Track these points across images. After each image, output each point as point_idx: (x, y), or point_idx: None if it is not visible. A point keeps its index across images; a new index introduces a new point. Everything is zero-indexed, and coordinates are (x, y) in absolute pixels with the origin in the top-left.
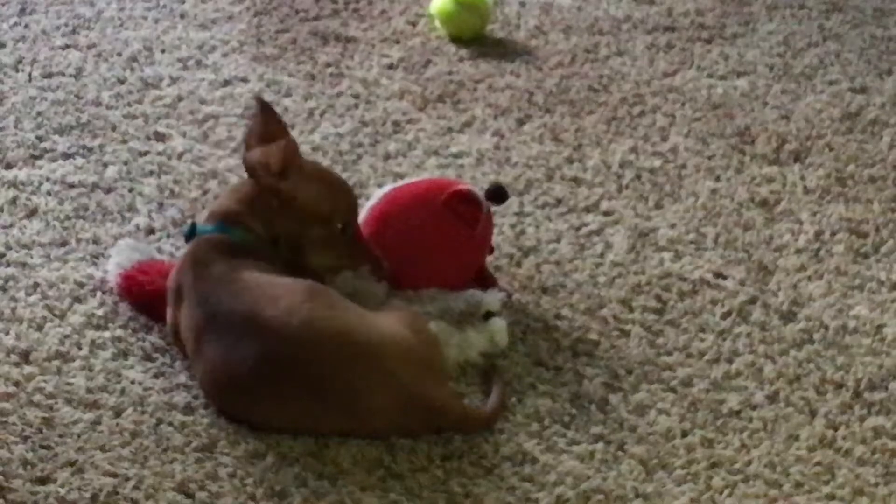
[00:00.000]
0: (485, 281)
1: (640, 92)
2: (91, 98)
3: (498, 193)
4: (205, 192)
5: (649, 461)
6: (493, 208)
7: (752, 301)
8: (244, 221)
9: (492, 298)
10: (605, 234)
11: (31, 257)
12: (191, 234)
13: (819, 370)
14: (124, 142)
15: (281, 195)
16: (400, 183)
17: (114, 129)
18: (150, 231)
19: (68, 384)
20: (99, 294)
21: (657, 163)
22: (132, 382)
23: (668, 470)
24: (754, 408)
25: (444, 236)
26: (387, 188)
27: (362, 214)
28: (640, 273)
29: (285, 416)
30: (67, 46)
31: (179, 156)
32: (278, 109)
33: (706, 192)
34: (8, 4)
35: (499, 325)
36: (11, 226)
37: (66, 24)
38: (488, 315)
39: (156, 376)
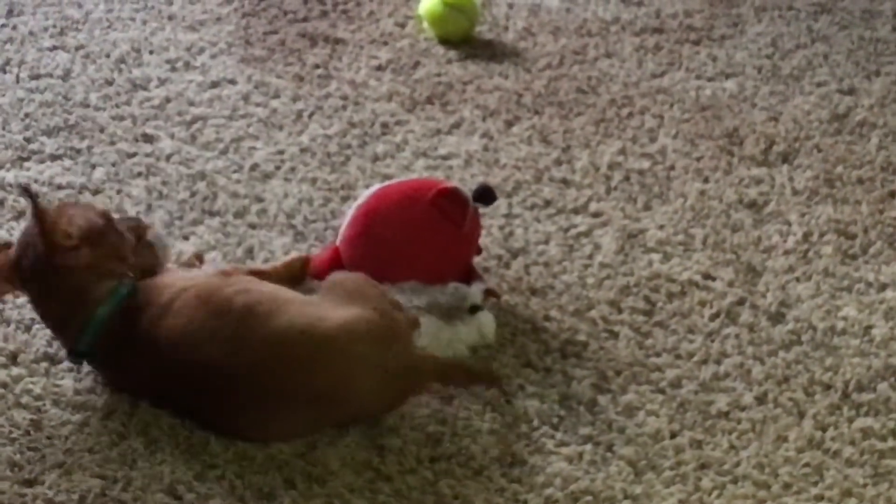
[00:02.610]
0: (469, 275)
1: (629, 93)
2: (79, 100)
3: (485, 194)
4: (193, 194)
5: (638, 462)
6: (482, 209)
7: (741, 302)
8: (93, 301)
9: (475, 290)
10: (593, 236)
11: None
12: (78, 356)
13: (807, 371)
14: (112, 143)
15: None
16: (387, 182)
17: (102, 130)
18: None
19: (56, 386)
20: None
21: (646, 164)
22: None
23: (657, 471)
24: (743, 409)
25: (431, 235)
26: (374, 188)
27: (349, 213)
28: (629, 274)
29: (276, 432)
30: (55, 48)
31: (167, 157)
32: (266, 111)
33: (695, 193)
34: None
35: (486, 318)
36: None
37: (54, 26)
38: (474, 308)
39: None
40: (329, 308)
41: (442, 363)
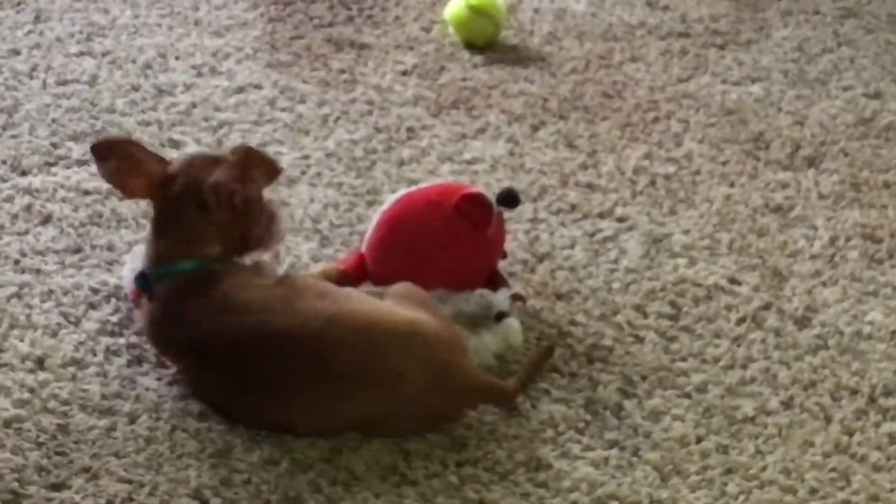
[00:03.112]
0: (494, 282)
1: (655, 98)
2: (105, 105)
3: (510, 198)
4: None
5: (664, 467)
6: (507, 214)
7: (767, 307)
8: (193, 251)
9: (501, 298)
10: (619, 240)
11: (46, 264)
12: (144, 284)
13: (834, 376)
14: None
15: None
16: (411, 188)
17: (128, 135)
18: None
19: (83, 390)
20: (113, 301)
21: (671, 169)
22: (147, 389)
23: (683, 476)
24: (769, 414)
25: (455, 239)
26: (398, 193)
27: (374, 219)
28: (655, 279)
29: (323, 418)
30: (82, 53)
31: None
32: (292, 116)
33: (720, 197)
34: (23, 12)
35: (513, 325)
36: (26, 232)
37: (81, 32)
38: (500, 316)
39: (170, 383)
40: (400, 307)
41: (496, 387)
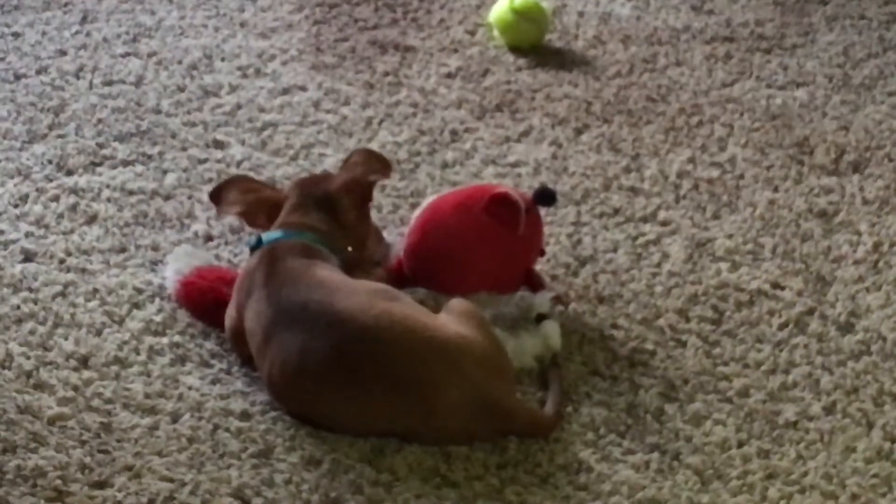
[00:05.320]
0: (534, 283)
1: (699, 102)
2: (151, 105)
3: (545, 195)
4: None
5: (705, 471)
6: (549, 215)
7: (810, 312)
8: (313, 228)
9: (542, 300)
10: (662, 244)
11: (91, 263)
12: (257, 244)
13: (877, 382)
14: (184, 149)
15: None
16: (442, 193)
17: (173, 136)
18: (209, 238)
19: (126, 389)
20: (157, 300)
21: (715, 173)
22: (189, 388)
23: (724, 480)
24: (811, 419)
25: (486, 240)
26: (430, 199)
27: (409, 225)
28: (697, 283)
29: (354, 410)
30: (128, 54)
31: (238, 163)
32: (336, 118)
33: (764, 202)
34: (70, 12)
35: (552, 327)
36: (72, 232)
37: (127, 33)
38: (540, 318)
39: (213, 382)
40: (453, 322)
41: (536, 418)
